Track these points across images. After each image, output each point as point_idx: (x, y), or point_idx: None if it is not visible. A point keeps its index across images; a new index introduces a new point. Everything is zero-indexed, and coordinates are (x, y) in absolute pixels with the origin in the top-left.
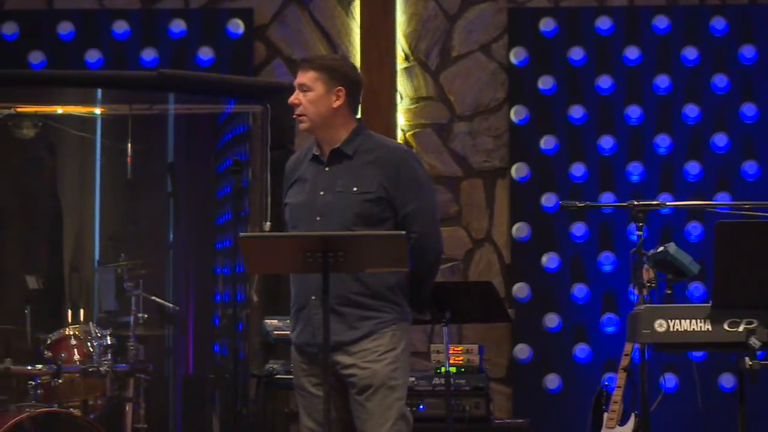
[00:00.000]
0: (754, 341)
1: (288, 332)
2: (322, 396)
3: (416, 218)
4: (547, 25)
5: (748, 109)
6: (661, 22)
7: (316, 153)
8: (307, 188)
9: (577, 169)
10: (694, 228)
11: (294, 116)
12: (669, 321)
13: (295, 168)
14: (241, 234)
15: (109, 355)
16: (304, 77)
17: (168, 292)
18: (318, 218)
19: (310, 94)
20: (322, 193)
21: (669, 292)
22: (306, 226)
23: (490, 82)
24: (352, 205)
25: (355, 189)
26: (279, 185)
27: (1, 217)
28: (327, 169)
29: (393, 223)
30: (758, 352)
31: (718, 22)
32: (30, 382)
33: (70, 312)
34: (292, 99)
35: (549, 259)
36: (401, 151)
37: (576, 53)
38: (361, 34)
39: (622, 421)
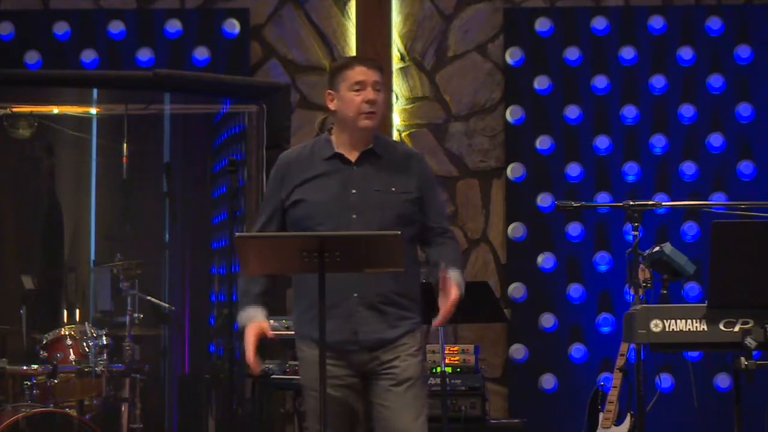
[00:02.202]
0: (749, 341)
1: (284, 332)
2: (339, 396)
3: (443, 217)
4: (542, 25)
5: (744, 109)
6: (656, 22)
7: (339, 151)
8: (332, 186)
9: (573, 169)
10: (690, 228)
11: (368, 113)
12: (665, 321)
13: (302, 165)
14: (237, 234)
15: (105, 355)
16: (378, 76)
17: (164, 292)
18: (354, 216)
19: (381, 94)
20: (354, 191)
21: (665, 292)
22: (334, 224)
23: (485, 82)
24: (394, 205)
25: (393, 189)
26: None
27: None
28: (355, 168)
29: (420, 225)
30: (754, 352)
31: (714, 23)
32: (26, 382)
33: (65, 312)
34: (374, 96)
35: (545, 259)
36: (419, 153)
37: (572, 53)
38: (356, 34)
39: (618, 421)
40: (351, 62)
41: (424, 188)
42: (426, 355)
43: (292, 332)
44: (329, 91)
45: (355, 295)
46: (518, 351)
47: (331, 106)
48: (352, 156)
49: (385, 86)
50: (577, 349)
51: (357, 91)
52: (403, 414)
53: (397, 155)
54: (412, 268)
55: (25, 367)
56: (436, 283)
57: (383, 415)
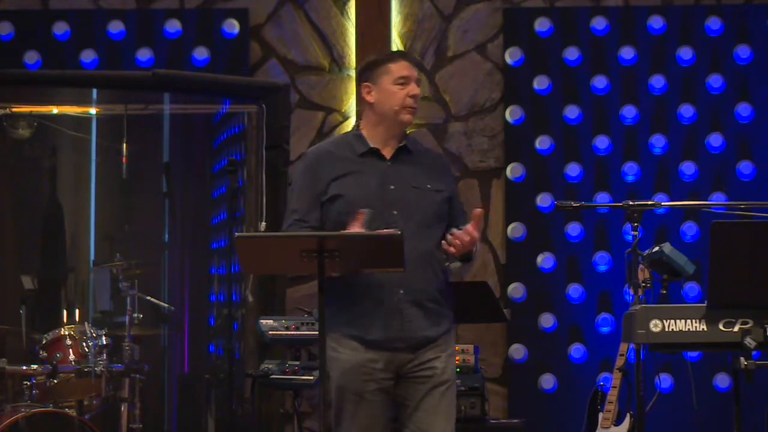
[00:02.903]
0: (749, 341)
1: (284, 332)
2: (377, 400)
3: (465, 218)
4: (542, 25)
5: (744, 109)
6: (656, 22)
7: (374, 147)
8: (370, 182)
9: (573, 169)
10: (690, 228)
11: (410, 107)
12: (664, 321)
13: (335, 160)
14: (237, 234)
15: (105, 355)
16: (418, 73)
17: (163, 292)
18: (395, 212)
19: (419, 90)
20: (392, 187)
21: (664, 292)
22: (378, 221)
23: (485, 82)
24: (431, 202)
25: (429, 186)
26: (274, 185)
27: None
28: (389, 164)
29: (445, 224)
30: (753, 352)
31: (714, 23)
32: (25, 382)
33: (65, 312)
34: (416, 91)
35: (544, 259)
36: (441, 154)
37: (571, 53)
38: (356, 34)
39: (618, 422)
40: (395, 56)
41: (450, 188)
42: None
43: (292, 332)
44: (367, 83)
45: (401, 291)
46: (518, 351)
47: (369, 98)
48: (387, 152)
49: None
50: (576, 349)
51: (401, 85)
52: (439, 418)
53: (426, 153)
54: (444, 266)
55: (24, 367)
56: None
57: (419, 418)
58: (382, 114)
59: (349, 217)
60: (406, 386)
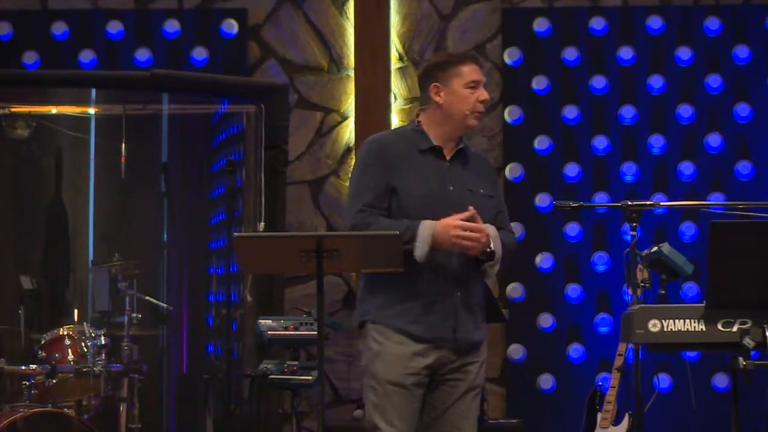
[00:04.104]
0: (748, 341)
1: (283, 332)
2: (418, 394)
3: (508, 224)
4: (540, 25)
5: (742, 109)
6: (654, 22)
7: (436, 145)
8: (431, 179)
9: (571, 170)
10: (688, 228)
11: (479, 112)
12: (663, 321)
13: (398, 151)
14: (236, 234)
15: (103, 355)
16: (485, 78)
17: (162, 292)
18: (453, 213)
19: None
20: (451, 188)
21: (663, 292)
22: (435, 218)
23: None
24: (485, 206)
25: (482, 191)
26: (273, 185)
27: None
28: (448, 164)
29: None
30: (752, 352)
31: (712, 23)
32: (24, 382)
33: (64, 312)
34: (487, 96)
35: (543, 259)
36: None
37: (570, 53)
38: (354, 34)
39: (616, 422)
40: (466, 59)
41: (498, 194)
42: None
43: (291, 332)
44: (436, 83)
45: (459, 294)
46: (516, 351)
47: (438, 98)
48: (447, 152)
49: (383, 85)
50: (575, 349)
51: (472, 89)
52: (468, 423)
53: (478, 158)
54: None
55: (23, 367)
56: None
57: (449, 421)
58: (450, 115)
59: (410, 211)
60: (438, 389)
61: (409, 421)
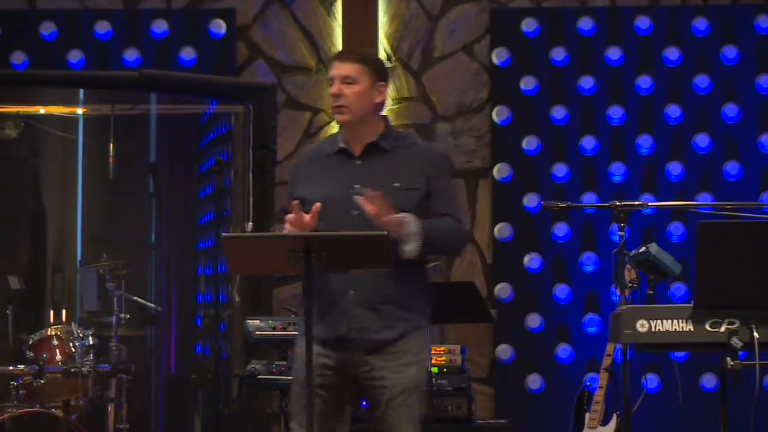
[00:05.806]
0: (735, 341)
1: (270, 332)
2: (326, 394)
3: (455, 208)
4: (529, 25)
5: (730, 109)
6: (643, 22)
7: (343, 146)
8: (337, 181)
9: (559, 170)
10: (676, 228)
11: (334, 107)
12: (651, 321)
13: (309, 162)
14: (224, 234)
15: (91, 355)
16: (349, 69)
17: (150, 292)
18: (355, 212)
19: (355, 86)
20: (357, 186)
21: (651, 292)
22: (336, 222)
23: (472, 83)
24: (396, 200)
25: (396, 185)
26: (261, 185)
27: None
28: (359, 162)
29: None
30: (740, 353)
31: (700, 23)
32: (12, 382)
33: (52, 312)
34: (335, 90)
35: (531, 260)
36: (439, 150)
37: (558, 54)
38: (342, 34)
39: (604, 422)
40: (334, 57)
41: (433, 183)
42: (429, 359)
43: (279, 332)
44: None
45: (351, 292)
46: (504, 351)
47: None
48: (357, 151)
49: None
50: (563, 350)
51: (331, 86)
52: (402, 427)
53: (409, 150)
54: (416, 265)
55: (11, 368)
56: None
57: (381, 428)
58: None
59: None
60: (368, 393)
61: (319, 423)
